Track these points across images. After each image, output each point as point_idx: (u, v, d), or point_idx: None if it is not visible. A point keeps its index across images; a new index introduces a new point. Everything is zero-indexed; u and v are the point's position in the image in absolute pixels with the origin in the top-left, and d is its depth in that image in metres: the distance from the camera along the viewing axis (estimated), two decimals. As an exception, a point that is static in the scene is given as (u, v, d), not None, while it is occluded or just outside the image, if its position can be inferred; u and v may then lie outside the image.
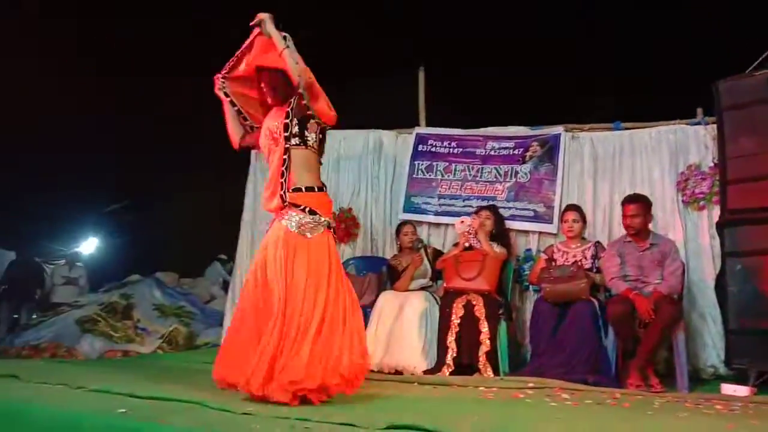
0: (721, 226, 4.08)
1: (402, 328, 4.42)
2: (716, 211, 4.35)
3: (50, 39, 6.67)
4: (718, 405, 3.12)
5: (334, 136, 5.73)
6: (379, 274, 5.10)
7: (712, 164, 4.54)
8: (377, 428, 2.15)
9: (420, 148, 5.50)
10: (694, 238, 4.59)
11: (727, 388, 3.65)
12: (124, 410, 2.25)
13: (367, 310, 4.74)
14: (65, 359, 5.06)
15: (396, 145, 5.63)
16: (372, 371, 3.87)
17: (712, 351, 4.36)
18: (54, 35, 6.65)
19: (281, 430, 2.06)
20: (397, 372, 4.25)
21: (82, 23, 6.86)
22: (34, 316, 6.77)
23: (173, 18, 6.81)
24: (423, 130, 5.59)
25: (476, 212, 4.75)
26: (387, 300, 4.60)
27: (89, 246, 10.66)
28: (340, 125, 5.77)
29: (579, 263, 4.23)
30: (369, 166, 5.61)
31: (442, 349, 4.17)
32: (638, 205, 4.09)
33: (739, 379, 3.80)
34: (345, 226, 5.47)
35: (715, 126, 4.37)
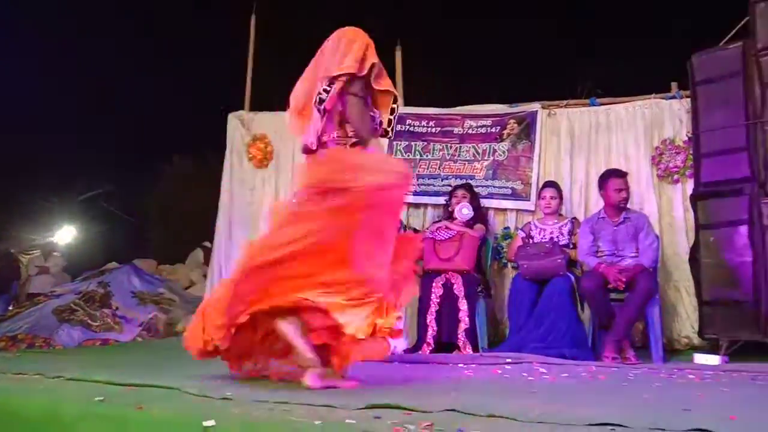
0: (694, 199, 4.14)
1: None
2: (690, 185, 4.42)
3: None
4: (691, 374, 3.19)
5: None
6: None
7: (686, 138, 4.58)
8: (356, 408, 2.16)
9: (398, 128, 5.47)
10: (668, 211, 4.66)
11: (700, 358, 3.74)
12: (101, 398, 2.23)
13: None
14: (43, 349, 5.01)
15: (374, 125, 5.60)
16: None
17: (686, 322, 4.45)
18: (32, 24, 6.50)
19: (260, 414, 2.06)
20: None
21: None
22: (11, 308, 6.67)
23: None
24: (401, 109, 5.55)
25: (452, 191, 4.77)
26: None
27: (66, 235, 10.51)
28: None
29: (555, 239, 4.28)
30: (347, 147, 5.57)
31: (422, 328, 4.20)
32: (624, 179, 4.14)
33: (712, 349, 3.89)
34: (324, 208, 5.45)
35: (689, 100, 4.41)
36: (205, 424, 1.90)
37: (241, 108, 5.83)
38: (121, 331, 5.78)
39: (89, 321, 5.62)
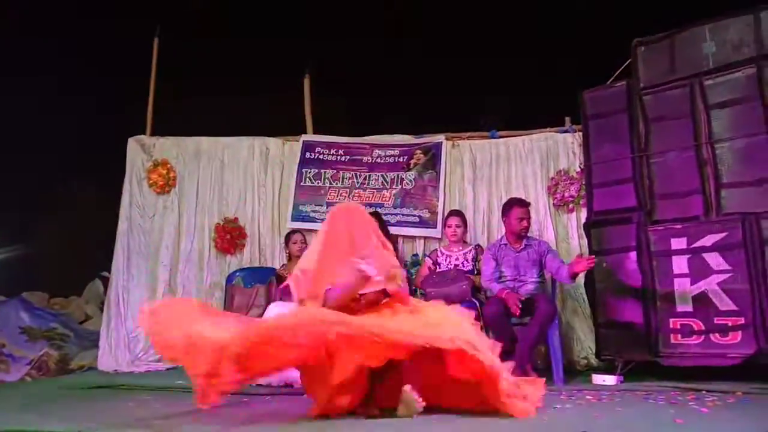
0: (588, 227, 4.38)
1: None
2: (584, 213, 4.66)
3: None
4: (589, 395, 3.33)
5: (217, 143, 5.57)
6: (268, 285, 4.99)
7: (579, 169, 4.85)
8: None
9: (307, 155, 5.46)
10: (564, 238, 4.90)
11: (598, 378, 3.92)
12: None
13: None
14: None
15: (283, 152, 5.55)
16: (260, 385, 3.78)
17: (585, 344, 4.66)
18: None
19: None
20: (287, 385, 4.16)
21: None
22: None
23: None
24: (310, 137, 5.56)
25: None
26: (276, 312, 4.50)
27: (-56, 266, 9.58)
28: (223, 132, 5.65)
29: (460, 266, 4.39)
30: (255, 173, 5.48)
31: (331, 357, 4.14)
32: (527, 209, 4.32)
33: (608, 370, 4.09)
34: (230, 236, 5.32)
35: (581, 133, 4.68)
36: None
37: (142, 133, 5.60)
38: (7, 370, 5.33)
39: (-31, 361, 5.14)
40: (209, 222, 5.40)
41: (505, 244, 4.32)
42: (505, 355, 3.97)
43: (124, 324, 5.24)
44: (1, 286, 7.26)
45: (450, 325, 2.70)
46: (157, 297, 5.24)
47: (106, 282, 7.76)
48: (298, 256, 4.82)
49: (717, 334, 3.69)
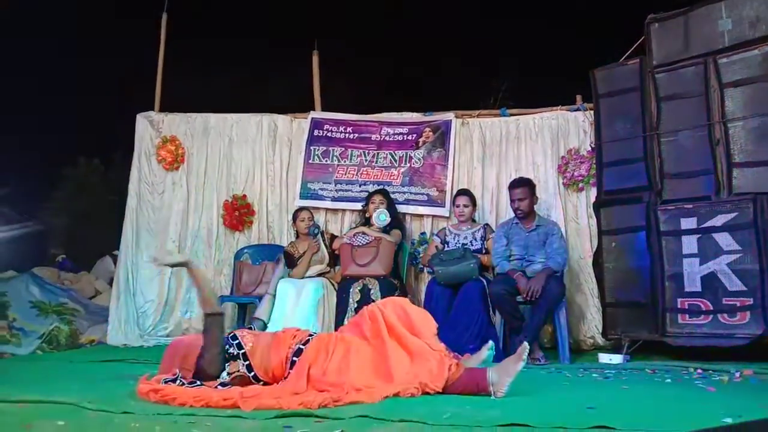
0: (597, 206, 4.36)
1: (299, 315, 4.37)
2: (593, 193, 4.63)
3: None
4: (595, 374, 3.33)
5: (225, 120, 5.55)
6: (276, 262, 5.01)
7: (590, 148, 4.81)
8: (266, 417, 2.11)
9: (315, 132, 5.44)
10: (574, 218, 4.87)
11: (604, 357, 3.92)
12: (-16, 418, 2.05)
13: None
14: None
15: (291, 129, 5.53)
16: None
17: (591, 324, 4.66)
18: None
19: (162, 428, 1.96)
20: (294, 359, 4.20)
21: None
22: None
23: None
24: (318, 114, 5.53)
25: (369, 197, 4.80)
26: (284, 288, 4.53)
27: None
28: (232, 108, 5.63)
29: (469, 245, 4.38)
30: (263, 151, 5.47)
31: (339, 334, 4.16)
32: (524, 189, 4.27)
33: (615, 349, 4.09)
34: (239, 213, 5.33)
35: (592, 112, 4.64)
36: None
37: (151, 109, 5.60)
38: (18, 344, 5.39)
39: (-20, 334, 5.21)
40: (218, 199, 5.40)
41: (516, 223, 4.30)
42: (512, 333, 4.02)
43: (133, 300, 5.28)
44: (12, 262, 7.33)
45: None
46: (166, 274, 5.28)
47: (116, 260, 7.83)
48: (306, 234, 4.84)
49: (725, 315, 3.68)
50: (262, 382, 2.61)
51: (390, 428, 1.92)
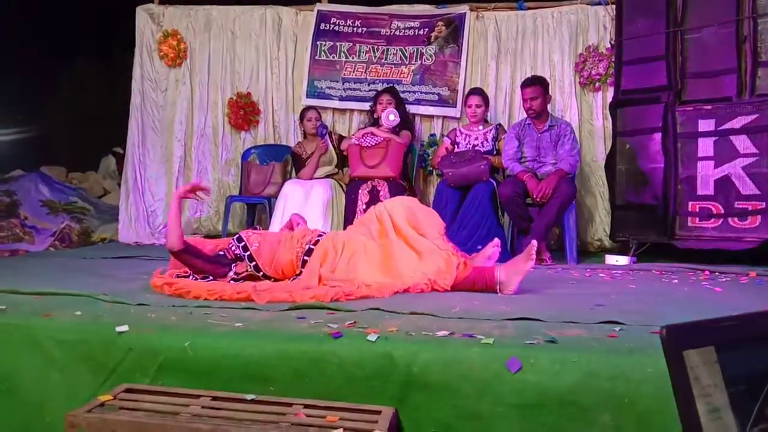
0: (614, 107, 4.23)
1: (308, 217, 4.37)
2: (610, 93, 4.49)
3: None
4: (602, 273, 3.37)
5: (228, 12, 5.32)
6: (284, 163, 4.97)
7: (609, 45, 4.61)
8: (279, 309, 2.14)
9: (322, 26, 5.21)
10: (588, 119, 4.76)
11: (611, 259, 3.95)
12: (3, 307, 2.09)
13: (272, 201, 4.66)
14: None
15: (296, 22, 5.30)
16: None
17: (599, 226, 4.67)
18: None
19: (178, 318, 2.00)
20: (303, 259, 4.25)
21: None
22: None
23: None
24: (325, 6, 5.28)
25: (377, 96, 4.67)
26: (292, 189, 4.52)
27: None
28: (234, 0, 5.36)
29: (480, 146, 4.31)
30: (268, 46, 5.27)
31: (347, 234, 4.19)
32: (536, 87, 4.13)
33: (622, 251, 4.12)
34: (244, 112, 5.22)
35: (614, 6, 4.40)
36: (118, 329, 1.83)
37: (150, 1, 5.35)
38: (32, 241, 5.49)
39: (-6, 231, 5.29)
40: (222, 97, 5.28)
41: (529, 124, 4.20)
42: (520, 235, 4.04)
43: (142, 198, 5.30)
44: (20, 162, 7.30)
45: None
46: (173, 173, 5.26)
47: (118, 157, 7.81)
48: (314, 134, 4.75)
49: (735, 218, 3.66)
50: (272, 279, 2.65)
51: (401, 320, 1.95)
